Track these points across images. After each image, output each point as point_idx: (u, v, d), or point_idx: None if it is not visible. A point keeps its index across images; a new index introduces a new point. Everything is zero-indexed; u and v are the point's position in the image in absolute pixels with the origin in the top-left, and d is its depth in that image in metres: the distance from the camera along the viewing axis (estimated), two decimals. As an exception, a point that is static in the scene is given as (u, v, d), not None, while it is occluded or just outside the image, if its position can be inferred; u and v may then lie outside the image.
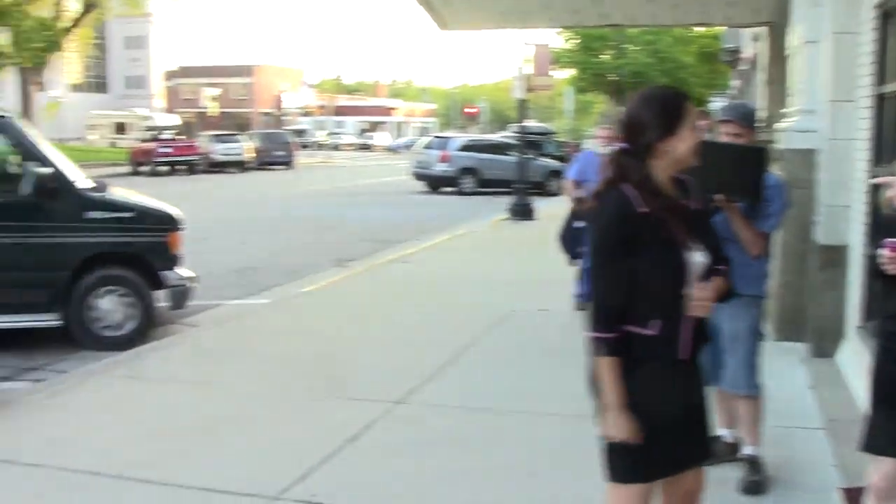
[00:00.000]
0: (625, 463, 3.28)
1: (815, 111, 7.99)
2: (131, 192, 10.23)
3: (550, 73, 26.18)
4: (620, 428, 3.19)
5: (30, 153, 8.89)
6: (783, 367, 7.14)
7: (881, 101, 6.79)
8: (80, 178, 9.20)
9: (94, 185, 9.35)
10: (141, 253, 9.15)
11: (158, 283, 9.23)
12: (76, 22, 43.56)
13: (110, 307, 8.99)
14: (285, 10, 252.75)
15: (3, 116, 9.55)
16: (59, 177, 8.80)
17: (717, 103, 42.06)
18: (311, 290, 11.86)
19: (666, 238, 3.19)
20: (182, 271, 9.43)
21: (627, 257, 3.16)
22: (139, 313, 9.08)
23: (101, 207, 9.00)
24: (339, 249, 16.33)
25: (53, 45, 40.59)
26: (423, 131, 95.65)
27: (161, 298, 9.44)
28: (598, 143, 10.24)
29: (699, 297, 3.17)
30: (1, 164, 9.50)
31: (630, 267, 3.16)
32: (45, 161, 8.82)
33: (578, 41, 47.33)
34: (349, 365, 7.90)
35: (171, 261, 9.29)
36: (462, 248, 16.44)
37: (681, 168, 3.30)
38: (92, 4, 43.50)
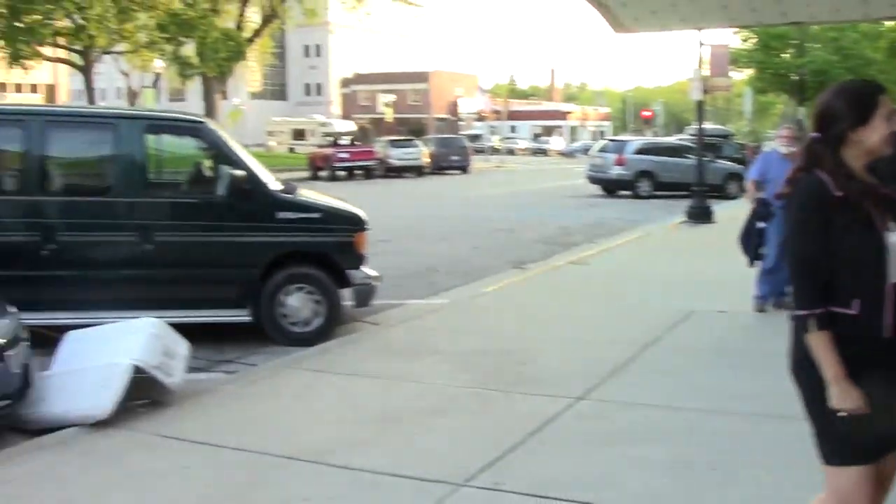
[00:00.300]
0: (845, 443, 3.28)
1: None
2: (319, 194, 10.64)
3: (729, 73, 25.68)
4: (848, 398, 3.21)
5: (225, 156, 9.39)
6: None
7: None
8: (271, 181, 9.64)
9: (283, 187, 9.79)
10: (328, 252, 9.48)
11: (345, 282, 9.55)
12: (257, 32, 45.34)
13: (298, 304, 9.35)
14: (459, 15, 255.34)
15: (200, 122, 10.13)
16: (252, 179, 9.22)
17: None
18: (490, 290, 12.06)
19: (863, 221, 3.20)
20: (367, 270, 9.74)
21: (825, 239, 3.18)
22: (325, 310, 9.39)
23: (291, 208, 9.39)
24: (515, 252, 16.51)
25: (238, 55, 42.27)
26: (597, 135, 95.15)
27: (346, 296, 9.77)
28: (780, 144, 10.10)
29: None
30: (198, 166, 10.08)
31: (829, 249, 3.19)
32: (239, 164, 9.27)
33: (757, 40, 46.05)
34: (530, 362, 8.04)
35: (357, 260, 9.61)
36: (639, 251, 16.35)
37: (873, 157, 3.30)
38: (272, 15, 45.19)
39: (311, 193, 10.32)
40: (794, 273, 3.34)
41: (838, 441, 3.30)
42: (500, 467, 5.45)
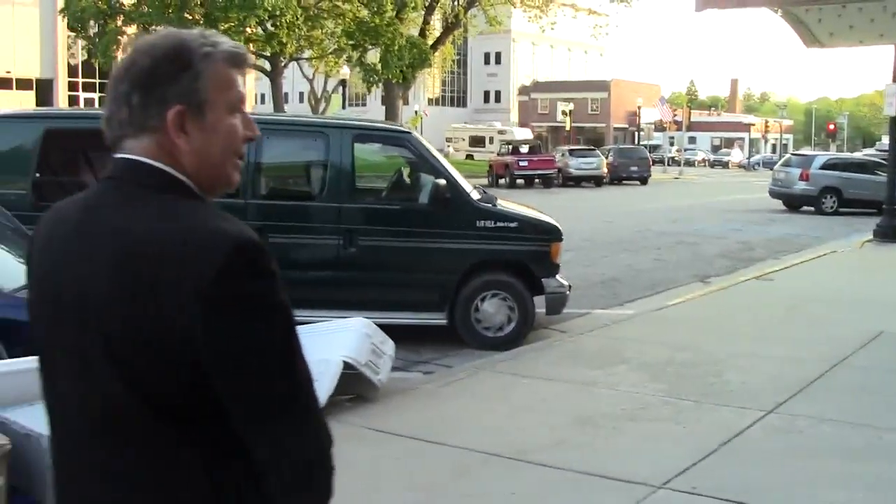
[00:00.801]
0: None
1: None
2: (516, 204, 11.07)
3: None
4: None
5: (429, 165, 9.93)
6: None
7: None
8: (471, 190, 10.13)
9: (482, 196, 10.27)
10: (524, 260, 9.89)
11: (539, 290, 9.95)
12: (439, 39, 46.28)
13: (493, 310, 9.79)
14: (641, 24, 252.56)
15: (406, 132, 10.71)
16: (454, 188, 9.71)
17: None
18: (675, 303, 12.28)
19: None
20: (560, 279, 10.13)
21: None
22: (518, 317, 9.80)
23: (490, 217, 9.84)
24: (698, 266, 16.64)
25: (422, 62, 43.21)
26: (779, 148, 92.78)
27: (539, 304, 10.16)
28: None
29: None
30: (403, 175, 10.67)
31: None
32: (442, 173, 9.76)
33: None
34: (718, 375, 8.29)
35: (552, 269, 10.00)
36: (825, 269, 16.18)
37: None
38: (455, 23, 46.06)
39: (508, 203, 10.75)
40: None
41: None
42: (695, 473, 5.77)
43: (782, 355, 9.09)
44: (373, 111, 59.62)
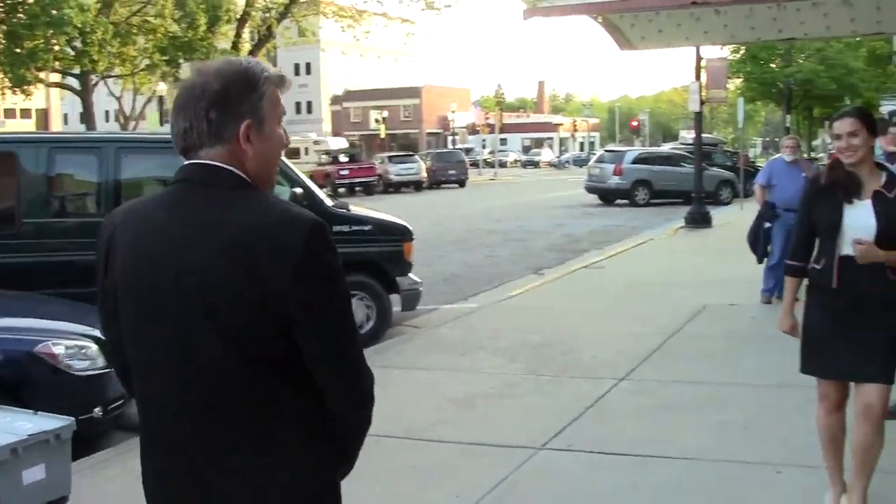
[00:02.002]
0: (801, 357, 4.87)
1: None
2: (367, 209, 11.62)
3: (727, 85, 26.86)
4: (783, 322, 4.94)
5: (285, 174, 10.32)
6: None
7: None
8: (325, 197, 10.64)
9: (336, 202, 10.78)
10: (379, 261, 10.46)
11: (394, 288, 10.55)
12: (252, 52, 46.14)
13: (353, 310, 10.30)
14: (448, 30, 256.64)
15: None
16: (310, 195, 10.14)
17: (887, 106, 41.57)
18: (516, 294, 13.12)
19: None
20: (413, 277, 10.76)
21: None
22: (377, 315, 10.36)
23: (345, 222, 10.33)
24: (530, 259, 17.60)
25: (237, 76, 42.84)
26: (586, 146, 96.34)
27: (395, 302, 10.75)
28: (786, 152, 11.29)
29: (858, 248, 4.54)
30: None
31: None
32: (297, 182, 10.19)
33: (745, 51, 47.33)
34: (571, 353, 9.12)
35: (405, 267, 10.62)
36: (647, 255, 17.47)
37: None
38: (268, 35, 46.02)
39: (359, 208, 11.30)
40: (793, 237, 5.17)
41: (801, 353, 4.88)
42: (568, 434, 6.53)
43: (624, 331, 10.04)
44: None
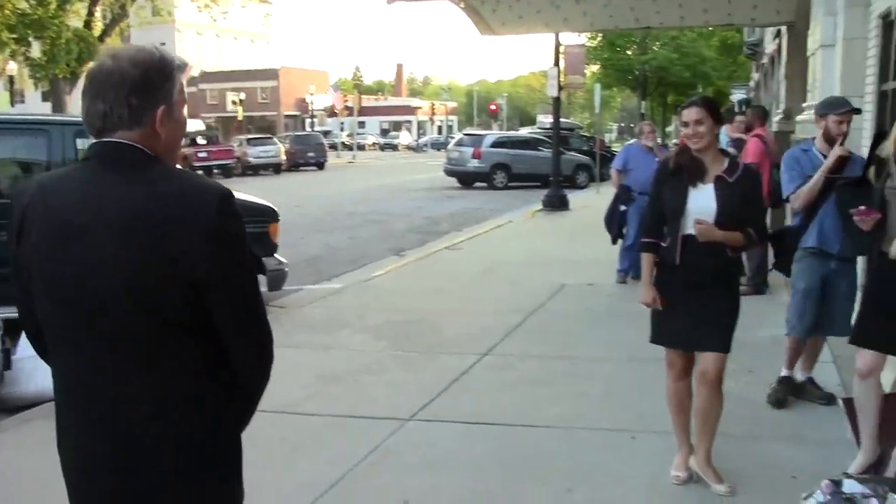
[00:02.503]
0: (651, 328, 5.26)
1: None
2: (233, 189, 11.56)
3: (584, 71, 27.53)
4: (645, 295, 5.20)
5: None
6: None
7: (883, 97, 8.12)
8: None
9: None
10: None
11: (260, 269, 10.54)
12: (105, 31, 44.84)
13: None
14: (306, 12, 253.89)
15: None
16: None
17: (737, 95, 43.28)
18: (378, 275, 13.27)
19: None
20: (279, 257, 10.79)
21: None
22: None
23: (209, 203, 10.29)
24: (390, 241, 17.76)
25: (89, 55, 41.67)
26: (444, 130, 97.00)
27: (261, 282, 10.75)
28: (649, 139, 11.80)
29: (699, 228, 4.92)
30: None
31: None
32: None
33: (602, 38, 48.51)
34: (436, 330, 9.35)
35: (271, 248, 10.64)
36: (506, 236, 17.85)
37: None
38: (122, 14, 44.80)
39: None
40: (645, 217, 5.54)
41: (651, 325, 5.27)
42: (435, 406, 6.77)
43: (486, 309, 10.32)
44: (35, 109, 56.60)
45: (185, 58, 2.52)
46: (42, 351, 2.58)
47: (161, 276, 2.29)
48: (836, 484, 4.45)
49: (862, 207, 4.92)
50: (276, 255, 10.76)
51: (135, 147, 2.36)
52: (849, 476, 4.66)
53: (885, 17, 7.91)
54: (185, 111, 2.49)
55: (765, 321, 8.89)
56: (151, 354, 2.35)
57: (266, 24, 47.02)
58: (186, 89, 2.50)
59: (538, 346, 8.63)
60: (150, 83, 2.37)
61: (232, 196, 2.37)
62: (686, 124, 5.03)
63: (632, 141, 12.41)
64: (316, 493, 5.18)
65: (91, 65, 2.45)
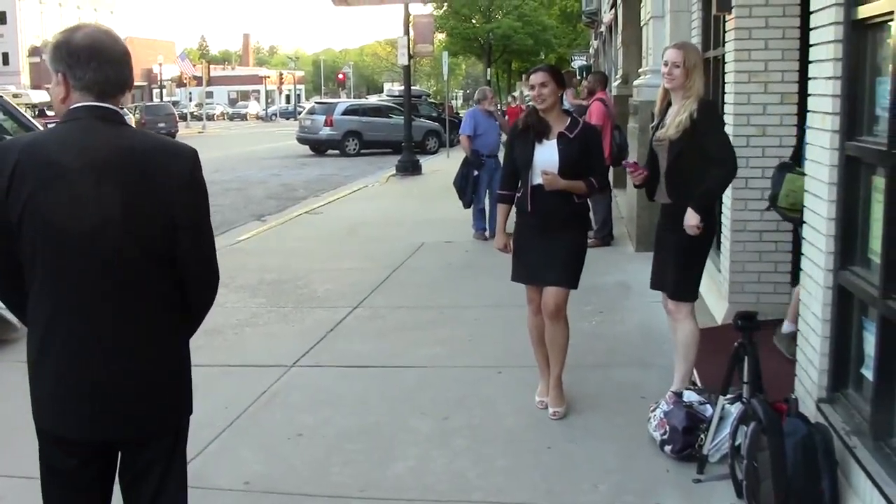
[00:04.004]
0: (512, 268, 5.94)
1: (660, 71, 10.18)
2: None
3: (433, 40, 28.10)
4: (497, 241, 6.05)
5: (23, 125, 10.21)
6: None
7: (706, 62, 8.96)
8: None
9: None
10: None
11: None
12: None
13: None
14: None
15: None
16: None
17: (577, 61, 44.66)
18: (244, 238, 13.61)
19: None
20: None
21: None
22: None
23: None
24: (251, 208, 18.05)
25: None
26: (293, 99, 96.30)
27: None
28: (486, 103, 12.54)
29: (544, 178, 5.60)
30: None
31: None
32: (33, 128, 10.12)
33: (448, 7, 49.17)
34: (307, 287, 9.84)
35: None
36: (363, 200, 18.36)
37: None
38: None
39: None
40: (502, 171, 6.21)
41: (511, 265, 5.96)
42: (315, 353, 7.31)
43: (353, 266, 10.88)
44: None
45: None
46: (10, 287, 2.97)
47: (147, 212, 2.83)
48: (678, 395, 5.21)
49: (630, 161, 5.72)
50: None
51: (118, 111, 2.92)
52: (688, 388, 5.42)
53: (703, -7, 8.72)
54: None
55: (611, 269, 9.74)
56: (139, 278, 2.87)
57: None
58: (29, 60, 3.11)
59: (405, 298, 9.24)
60: (127, 60, 2.96)
61: (197, 153, 2.97)
62: (532, 87, 5.75)
63: (474, 107, 13.08)
64: (216, 431, 5.65)
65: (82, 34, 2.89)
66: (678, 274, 5.64)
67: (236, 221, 15.87)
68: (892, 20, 4.00)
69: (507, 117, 19.57)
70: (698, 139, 5.38)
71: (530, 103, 5.97)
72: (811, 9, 4.92)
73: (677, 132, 5.43)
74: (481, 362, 6.95)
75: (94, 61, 2.86)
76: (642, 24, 12.38)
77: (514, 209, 5.94)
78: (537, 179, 5.67)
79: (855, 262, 4.50)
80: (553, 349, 5.85)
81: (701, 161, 5.40)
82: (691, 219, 5.34)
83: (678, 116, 5.46)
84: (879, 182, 4.23)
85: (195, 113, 72.62)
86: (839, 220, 4.58)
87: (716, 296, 8.07)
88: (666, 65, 5.58)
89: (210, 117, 78.53)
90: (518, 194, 5.87)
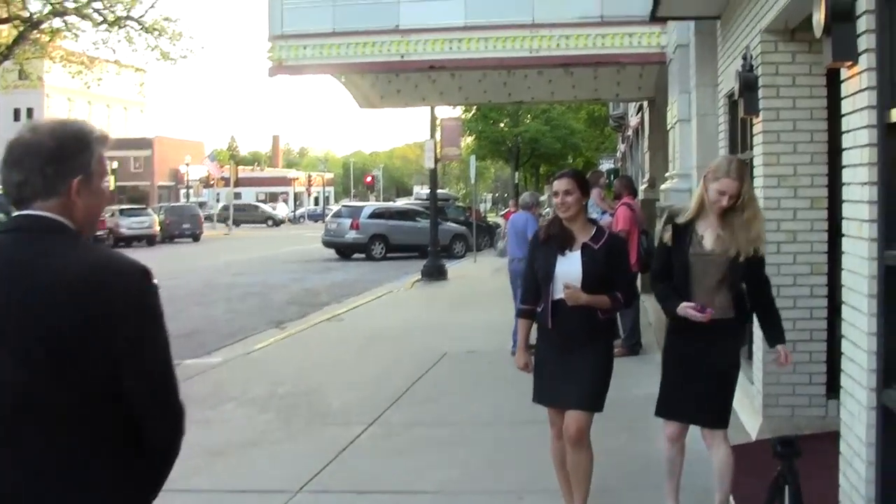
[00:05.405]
0: (533, 388, 5.57)
1: (688, 174, 9.94)
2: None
3: (461, 143, 28.14)
4: (518, 360, 5.69)
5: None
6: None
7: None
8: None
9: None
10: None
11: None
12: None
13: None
14: (182, 82, 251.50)
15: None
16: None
17: (605, 165, 44.69)
18: (260, 347, 13.28)
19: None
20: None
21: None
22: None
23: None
24: (270, 313, 17.72)
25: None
26: (321, 201, 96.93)
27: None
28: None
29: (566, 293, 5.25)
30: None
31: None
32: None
33: (476, 111, 49.43)
34: (321, 402, 9.44)
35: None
36: (386, 307, 18.04)
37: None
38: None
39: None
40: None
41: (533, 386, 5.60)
42: (323, 476, 6.86)
43: (370, 379, 10.48)
44: None
45: (105, 131, 2.64)
46: None
47: (83, 342, 2.36)
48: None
49: (695, 305, 5.15)
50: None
51: (52, 218, 2.46)
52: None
53: (730, 97, 8.46)
54: (107, 182, 2.61)
55: (641, 381, 9.26)
56: (71, 422, 2.39)
57: (141, 93, 46.12)
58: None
59: (423, 414, 8.81)
60: (66, 153, 2.48)
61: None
62: (556, 194, 5.42)
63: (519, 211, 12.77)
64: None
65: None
66: (719, 402, 5.29)
67: (254, 328, 15.53)
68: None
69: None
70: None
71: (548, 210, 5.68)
72: (842, 111, 4.65)
73: (749, 248, 5.20)
74: (501, 487, 6.50)
75: (6, 164, 2.50)
76: (669, 127, 12.15)
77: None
78: (559, 294, 5.32)
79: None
80: (576, 476, 5.42)
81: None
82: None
83: (748, 233, 5.19)
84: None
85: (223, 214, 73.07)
86: (881, 336, 4.24)
87: (749, 410, 7.63)
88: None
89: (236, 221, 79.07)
90: (538, 309, 5.51)
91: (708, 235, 5.23)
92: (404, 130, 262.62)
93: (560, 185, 5.42)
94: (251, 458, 7.50)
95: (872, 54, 4.23)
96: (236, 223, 63.63)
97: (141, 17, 31.50)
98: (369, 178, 71.06)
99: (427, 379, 10.48)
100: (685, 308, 5.12)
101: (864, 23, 4.28)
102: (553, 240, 5.44)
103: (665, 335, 5.57)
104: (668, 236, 5.33)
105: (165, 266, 30.24)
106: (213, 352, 13.31)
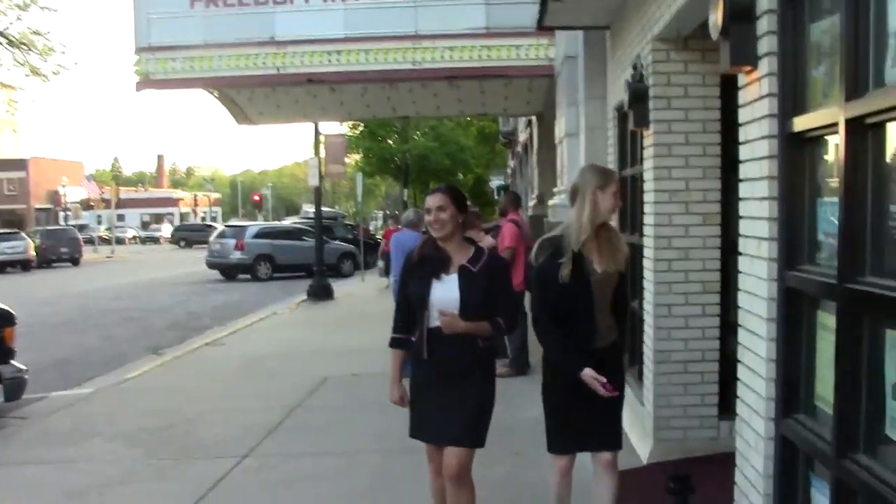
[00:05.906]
0: (409, 422, 5.11)
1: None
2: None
3: (346, 160, 27.67)
4: (392, 394, 5.18)
5: None
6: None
7: (623, 182, 8.43)
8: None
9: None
10: (-23, 348, 9.65)
11: (-8, 378, 9.72)
12: None
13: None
14: (61, 101, 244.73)
15: None
16: None
17: (495, 181, 44.73)
18: (133, 376, 12.58)
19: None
20: (17, 364, 10.00)
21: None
22: (-23, 406, 9.53)
23: (-65, 308, 9.50)
24: (148, 339, 16.98)
25: None
26: (208, 221, 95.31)
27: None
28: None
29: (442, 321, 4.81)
30: None
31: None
32: None
33: (364, 127, 48.97)
34: (192, 433, 8.87)
35: (7, 354, 9.84)
36: (269, 329, 17.45)
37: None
38: None
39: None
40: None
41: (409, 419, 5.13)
42: (189, 519, 6.30)
43: (248, 407, 9.94)
44: None
45: None
46: None
47: None
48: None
49: (605, 382, 4.63)
50: (13, 361, 9.96)
51: None
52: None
53: (619, 109, 8.24)
54: None
55: (529, 403, 8.91)
56: None
57: (11, 111, 44.22)
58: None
59: (300, 443, 8.33)
60: None
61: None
62: (429, 211, 4.92)
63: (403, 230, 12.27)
64: None
65: None
66: (617, 424, 4.97)
67: (130, 356, 14.78)
68: (834, 133, 3.43)
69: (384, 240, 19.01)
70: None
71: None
72: (740, 121, 4.34)
73: (623, 262, 4.90)
74: (380, 524, 6.07)
75: None
76: (557, 142, 11.92)
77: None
78: (435, 321, 4.84)
79: (800, 409, 3.86)
80: None
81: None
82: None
83: (622, 246, 4.90)
84: (827, 319, 3.63)
85: (104, 237, 71.08)
86: (780, 362, 3.97)
87: (640, 432, 7.36)
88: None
89: (120, 241, 76.97)
90: (413, 338, 5.04)
91: (594, 256, 4.81)
92: (294, 148, 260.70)
93: (432, 200, 4.91)
94: (114, 501, 6.90)
95: (774, 58, 3.92)
96: (188, 244, 61.85)
97: (5, 29, 29.87)
98: (257, 197, 69.95)
99: (307, 405, 9.99)
100: (593, 380, 4.62)
101: (765, 23, 3.97)
102: (427, 262, 4.94)
103: (544, 365, 5.09)
104: (566, 272, 4.71)
105: (39, 292, 29.10)
106: (84, 382, 12.61)
